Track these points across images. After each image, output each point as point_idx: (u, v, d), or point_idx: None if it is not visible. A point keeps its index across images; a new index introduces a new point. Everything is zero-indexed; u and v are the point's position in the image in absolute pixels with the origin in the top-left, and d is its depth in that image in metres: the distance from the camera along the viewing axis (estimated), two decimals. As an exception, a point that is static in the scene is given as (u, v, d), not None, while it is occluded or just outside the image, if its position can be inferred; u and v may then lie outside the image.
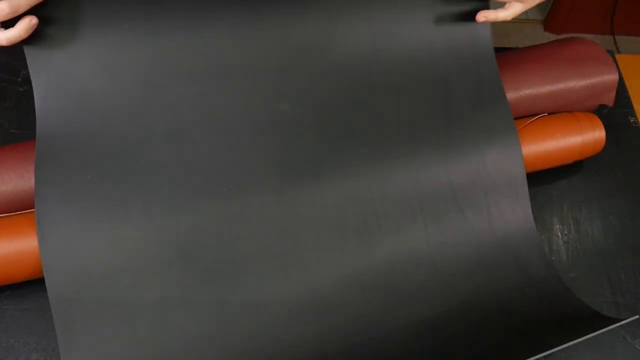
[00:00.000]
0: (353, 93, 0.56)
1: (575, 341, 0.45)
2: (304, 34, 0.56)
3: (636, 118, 0.72)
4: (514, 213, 0.55)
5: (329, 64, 0.56)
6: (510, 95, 0.60)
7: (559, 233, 0.62)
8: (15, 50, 0.52)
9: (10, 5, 0.45)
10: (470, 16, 0.59)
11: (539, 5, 1.89)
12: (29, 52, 0.50)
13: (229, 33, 0.54)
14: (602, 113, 0.64)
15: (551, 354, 0.53)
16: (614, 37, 1.80)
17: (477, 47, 0.59)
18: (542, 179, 0.65)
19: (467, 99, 0.57)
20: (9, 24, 0.47)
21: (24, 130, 0.63)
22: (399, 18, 0.58)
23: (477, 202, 0.55)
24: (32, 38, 0.50)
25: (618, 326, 0.48)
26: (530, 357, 0.44)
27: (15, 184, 0.52)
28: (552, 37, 1.79)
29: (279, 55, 0.55)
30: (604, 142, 0.61)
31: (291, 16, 0.55)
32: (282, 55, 0.55)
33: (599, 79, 0.62)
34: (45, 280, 0.46)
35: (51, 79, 0.50)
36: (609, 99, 0.63)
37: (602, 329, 0.47)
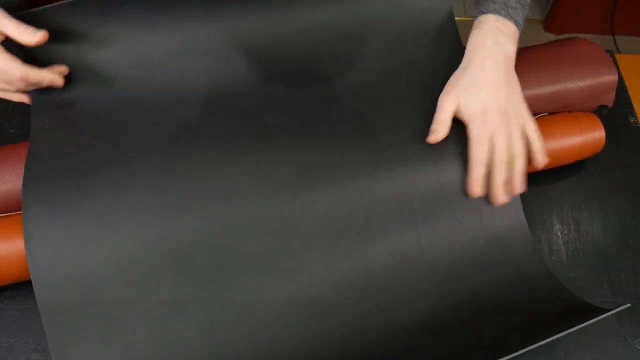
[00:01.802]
0: (337, 99, 0.57)
1: (567, 331, 0.45)
2: (286, 44, 0.57)
3: (636, 118, 0.72)
4: (504, 208, 0.55)
5: (311, 72, 0.57)
6: (510, 95, 0.60)
7: (559, 233, 0.62)
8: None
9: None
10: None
11: (539, 5, 1.89)
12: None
13: (216, 58, 0.56)
14: (602, 113, 0.64)
15: (550, 353, 0.53)
16: (614, 37, 1.80)
17: (454, 52, 0.59)
18: (542, 179, 0.65)
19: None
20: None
21: (24, 130, 0.63)
22: (379, 24, 0.59)
23: (468, 200, 0.55)
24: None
25: (619, 320, 0.48)
26: (523, 349, 0.44)
27: (15, 184, 0.52)
28: (552, 37, 1.79)
29: (263, 68, 0.57)
30: (603, 142, 0.61)
31: (271, 30, 0.57)
32: (266, 67, 0.57)
33: (598, 80, 0.62)
34: (36, 295, 0.46)
35: (49, 104, 0.53)
36: (609, 99, 0.63)
37: (594, 318, 0.47)
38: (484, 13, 0.55)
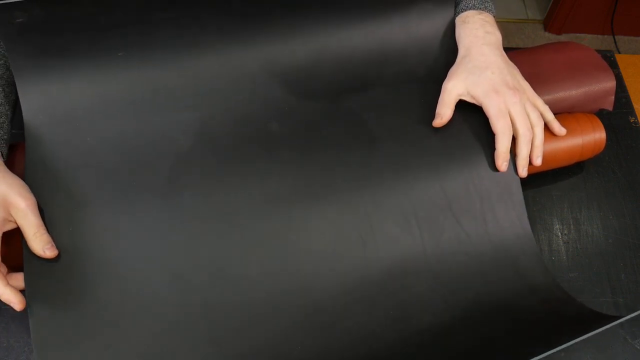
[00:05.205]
0: (340, 108, 0.57)
1: (575, 340, 0.45)
2: (289, 54, 0.57)
3: (636, 118, 0.72)
4: (509, 219, 0.55)
5: (314, 82, 0.57)
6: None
7: (559, 233, 0.62)
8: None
9: None
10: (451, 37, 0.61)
11: (538, 5, 1.89)
12: (18, 77, 0.51)
13: (218, 59, 0.55)
14: (603, 114, 0.64)
15: (551, 354, 0.53)
16: (614, 37, 1.80)
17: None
18: (542, 179, 0.65)
19: (455, 108, 0.57)
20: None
21: (23, 131, 0.63)
22: (384, 37, 0.60)
23: (473, 210, 0.54)
24: (23, 62, 0.51)
25: (619, 323, 0.48)
26: (531, 358, 0.44)
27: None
28: (553, 37, 1.79)
29: (265, 77, 0.56)
30: (604, 144, 0.61)
31: (276, 38, 0.57)
32: (269, 76, 0.56)
33: (596, 87, 0.62)
34: (29, 311, 0.45)
35: (41, 104, 0.51)
36: (609, 103, 0.63)
37: (603, 326, 0.47)
38: (465, 10, 0.60)
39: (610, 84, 0.62)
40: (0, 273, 0.45)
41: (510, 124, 0.55)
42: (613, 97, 0.63)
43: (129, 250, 0.48)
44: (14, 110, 0.53)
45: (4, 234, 0.46)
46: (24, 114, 0.51)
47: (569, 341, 0.45)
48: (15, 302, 0.45)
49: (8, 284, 0.45)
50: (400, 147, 0.55)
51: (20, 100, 0.51)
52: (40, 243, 0.46)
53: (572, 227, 0.62)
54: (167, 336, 0.47)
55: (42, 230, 0.46)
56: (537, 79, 0.60)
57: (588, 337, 0.54)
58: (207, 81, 0.55)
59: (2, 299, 0.44)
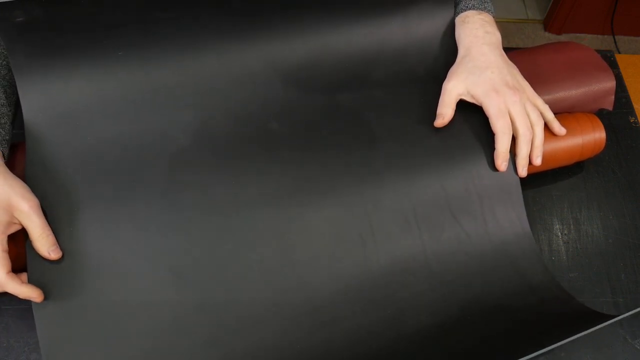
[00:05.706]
0: (340, 108, 0.57)
1: (575, 336, 0.45)
2: (289, 53, 0.57)
3: (636, 118, 0.72)
4: (509, 219, 0.55)
5: (315, 82, 0.57)
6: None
7: (559, 233, 0.62)
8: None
9: None
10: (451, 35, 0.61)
11: (538, 5, 1.89)
12: (19, 77, 0.51)
13: (218, 58, 0.55)
14: (603, 114, 0.64)
15: (551, 354, 0.53)
16: (614, 37, 1.80)
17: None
18: (542, 179, 0.65)
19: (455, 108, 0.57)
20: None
21: (24, 131, 0.63)
22: (386, 38, 0.60)
23: (472, 209, 0.55)
24: (23, 62, 0.51)
25: (619, 323, 0.48)
26: (530, 354, 0.44)
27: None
28: (552, 37, 1.79)
29: (265, 76, 0.56)
30: (604, 143, 0.61)
31: (277, 37, 0.57)
32: (269, 75, 0.56)
33: (596, 87, 0.62)
34: (34, 310, 0.46)
35: (41, 104, 0.51)
36: (609, 103, 0.63)
37: (602, 323, 0.47)
38: (465, 10, 0.61)
39: (610, 83, 0.62)
40: (12, 273, 0.45)
41: (510, 124, 0.55)
42: (613, 97, 0.63)
43: (129, 249, 0.48)
44: (15, 111, 0.53)
45: (8, 236, 0.46)
46: (24, 113, 0.51)
47: (564, 339, 0.45)
48: (35, 296, 0.45)
49: (22, 282, 0.45)
50: (400, 147, 0.55)
51: (21, 100, 0.51)
52: (45, 244, 0.46)
53: (572, 227, 0.62)
54: (167, 334, 0.47)
55: (47, 231, 0.47)
56: (537, 79, 0.61)
57: (589, 337, 0.54)
58: (207, 80, 0.55)
59: (22, 297, 0.45)
